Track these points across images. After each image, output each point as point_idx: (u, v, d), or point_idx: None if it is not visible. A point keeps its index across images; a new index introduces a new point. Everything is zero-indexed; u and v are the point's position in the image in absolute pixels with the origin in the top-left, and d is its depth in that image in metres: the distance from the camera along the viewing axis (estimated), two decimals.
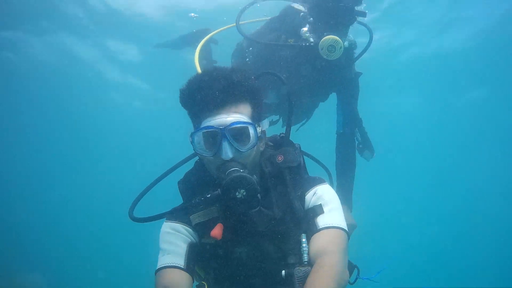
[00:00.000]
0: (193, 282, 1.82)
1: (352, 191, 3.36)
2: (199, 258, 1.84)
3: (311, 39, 2.91)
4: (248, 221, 1.77)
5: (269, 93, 3.17)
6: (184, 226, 1.83)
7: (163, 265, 1.76)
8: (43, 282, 9.16)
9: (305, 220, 1.81)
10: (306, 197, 1.83)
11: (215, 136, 1.65)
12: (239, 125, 1.65)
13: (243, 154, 1.68)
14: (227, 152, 1.63)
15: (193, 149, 1.72)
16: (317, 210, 1.79)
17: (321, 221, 1.77)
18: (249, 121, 1.69)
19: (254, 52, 3.22)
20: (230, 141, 1.64)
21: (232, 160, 1.65)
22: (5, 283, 8.52)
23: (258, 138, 1.73)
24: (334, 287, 1.59)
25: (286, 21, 3.18)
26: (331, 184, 2.44)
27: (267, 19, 3.49)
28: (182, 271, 1.74)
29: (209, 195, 1.64)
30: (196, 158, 2.00)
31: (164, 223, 1.88)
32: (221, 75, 1.68)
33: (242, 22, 3.34)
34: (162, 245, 1.84)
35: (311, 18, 2.99)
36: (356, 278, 2.11)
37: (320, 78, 3.14)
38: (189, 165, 2.02)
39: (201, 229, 1.80)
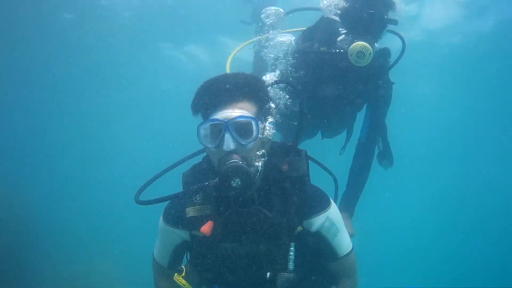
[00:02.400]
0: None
1: (358, 199, 3.38)
2: (187, 249, 2.08)
3: (343, 47, 2.95)
4: (242, 220, 1.88)
5: (295, 101, 3.21)
6: (175, 230, 2.03)
7: (155, 257, 2.20)
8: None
9: (317, 237, 1.98)
10: (316, 218, 1.96)
11: (219, 129, 1.76)
12: (241, 119, 1.75)
13: (244, 147, 1.76)
14: (229, 143, 1.73)
15: (199, 141, 1.82)
16: (333, 237, 2.01)
17: (339, 249, 2.03)
18: (253, 116, 1.79)
19: (288, 61, 3.22)
20: (232, 133, 1.73)
21: (233, 152, 1.74)
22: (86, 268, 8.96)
23: (262, 138, 1.84)
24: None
25: (320, 31, 3.21)
26: (336, 191, 2.57)
27: (302, 29, 3.52)
28: (165, 269, 2.16)
29: (207, 183, 1.79)
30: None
31: (161, 220, 2.09)
32: (228, 77, 1.85)
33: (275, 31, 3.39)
34: (158, 238, 2.17)
35: (343, 27, 3.01)
36: None
37: (352, 86, 3.14)
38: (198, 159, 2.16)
39: (194, 223, 1.91)
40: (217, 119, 1.75)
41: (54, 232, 10.45)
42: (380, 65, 3.09)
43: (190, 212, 1.91)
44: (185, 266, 2.03)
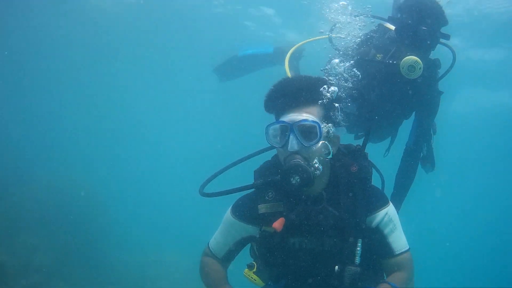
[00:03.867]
0: (228, 265, 2.29)
1: (403, 201, 3.53)
2: (255, 242, 2.16)
3: (395, 58, 3.07)
4: (312, 217, 1.99)
5: (350, 104, 3.32)
6: (243, 224, 2.14)
7: (210, 247, 2.29)
8: None
9: (375, 235, 2.09)
10: (377, 214, 2.08)
11: (286, 130, 1.91)
12: (306, 123, 1.88)
13: (307, 149, 1.89)
14: (293, 144, 1.87)
15: (266, 140, 1.98)
16: (390, 232, 2.11)
17: (395, 245, 2.12)
18: (317, 121, 1.91)
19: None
20: (297, 135, 1.87)
21: (296, 152, 1.88)
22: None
23: (327, 139, 1.94)
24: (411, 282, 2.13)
25: (376, 37, 3.35)
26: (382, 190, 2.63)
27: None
28: (218, 260, 2.26)
29: (269, 178, 1.98)
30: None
31: (229, 211, 2.21)
32: (296, 81, 1.98)
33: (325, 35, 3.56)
34: (220, 229, 2.28)
35: (398, 37, 3.16)
36: None
37: (402, 95, 3.25)
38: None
39: (265, 219, 2.04)
40: (283, 121, 1.90)
41: (125, 224, 11.12)
42: (430, 75, 3.19)
43: (263, 208, 2.04)
44: (255, 262, 2.14)
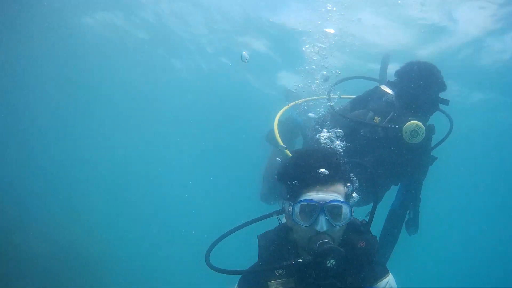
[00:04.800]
0: None
1: (387, 262, 3.44)
2: None
3: (396, 123, 3.04)
4: None
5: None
6: None
7: None
8: None
9: None
10: (379, 284, 2.09)
11: (313, 210, 1.86)
12: (337, 203, 1.87)
13: (334, 229, 1.89)
14: (323, 225, 1.85)
15: (292, 217, 1.91)
16: None
17: None
18: (344, 200, 1.91)
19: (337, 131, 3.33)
20: (327, 215, 1.85)
21: (324, 233, 1.86)
22: None
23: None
24: None
25: (374, 99, 3.34)
26: None
27: (351, 97, 3.68)
28: None
29: (300, 260, 1.87)
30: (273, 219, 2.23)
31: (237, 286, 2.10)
32: (323, 156, 1.93)
33: (322, 97, 3.63)
34: None
35: (397, 103, 3.14)
36: None
37: (399, 161, 3.22)
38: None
39: None
40: (313, 200, 1.85)
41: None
42: (425, 141, 3.16)
43: (274, 285, 1.98)
44: None
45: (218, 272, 2.01)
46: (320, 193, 1.86)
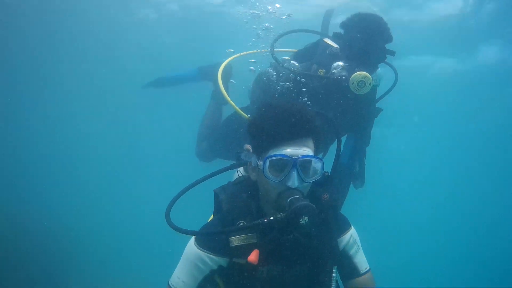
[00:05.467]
0: None
1: None
2: (224, 274, 2.02)
3: (343, 73, 3.03)
4: (286, 247, 1.94)
5: None
6: (210, 255, 1.98)
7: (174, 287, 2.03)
8: None
9: (341, 255, 2.11)
10: (343, 237, 2.12)
11: (285, 165, 1.82)
12: (309, 158, 1.84)
13: (304, 184, 1.86)
14: (294, 181, 1.81)
15: (263, 172, 1.84)
16: (355, 253, 2.16)
17: (360, 265, 2.16)
18: (319, 157, 1.88)
19: (282, 81, 3.29)
20: (299, 171, 1.81)
21: (295, 188, 1.83)
22: None
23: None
24: None
25: (318, 52, 3.30)
26: None
27: (294, 50, 3.65)
28: None
29: (272, 218, 1.81)
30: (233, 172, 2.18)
31: (193, 246, 2.02)
32: (295, 111, 1.87)
33: (264, 50, 3.55)
34: (182, 265, 2.05)
35: (343, 54, 3.12)
36: None
37: (345, 112, 3.23)
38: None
39: (237, 251, 1.93)
40: (285, 155, 1.81)
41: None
42: (371, 92, 3.18)
43: (235, 241, 1.92)
44: None
45: (182, 233, 1.92)
46: (292, 148, 1.82)
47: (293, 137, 1.83)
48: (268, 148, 1.85)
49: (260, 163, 1.85)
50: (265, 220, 1.82)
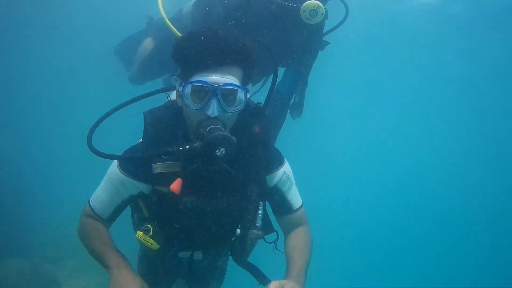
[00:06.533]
0: (110, 227, 2.08)
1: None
2: (146, 200, 2.02)
3: (294, 2, 2.92)
4: (209, 177, 1.90)
5: None
6: (134, 182, 1.94)
7: (93, 207, 2.03)
8: None
9: (273, 192, 2.09)
10: (276, 173, 2.07)
11: (206, 92, 1.74)
12: (231, 87, 1.75)
13: (226, 114, 1.78)
14: (214, 109, 1.73)
15: (182, 98, 1.78)
16: (288, 190, 2.12)
17: (294, 201, 2.16)
18: (240, 84, 1.80)
19: (225, 5, 3.10)
20: (220, 100, 1.73)
21: (216, 118, 1.75)
22: None
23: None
24: (311, 243, 2.16)
25: None
26: None
27: None
28: (103, 221, 2.04)
29: (188, 146, 1.76)
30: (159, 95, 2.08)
31: (116, 168, 1.97)
32: (224, 36, 1.75)
33: None
34: (103, 185, 2.03)
35: None
36: (275, 241, 2.25)
37: (291, 40, 3.14)
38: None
39: (160, 178, 1.89)
40: (205, 82, 1.72)
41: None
42: (320, 24, 3.10)
43: (158, 168, 1.88)
44: (150, 225, 1.96)
45: (103, 157, 1.84)
46: (214, 75, 1.73)
47: (218, 64, 1.73)
48: (192, 74, 1.77)
49: (181, 88, 1.78)
50: (180, 148, 1.77)
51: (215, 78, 1.73)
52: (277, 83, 2.26)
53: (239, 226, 2.04)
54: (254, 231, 1.99)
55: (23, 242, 7.79)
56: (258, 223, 2.00)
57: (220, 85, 1.73)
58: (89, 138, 1.85)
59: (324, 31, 3.31)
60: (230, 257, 2.33)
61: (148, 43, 4.12)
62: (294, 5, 2.89)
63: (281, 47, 3.11)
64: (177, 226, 1.98)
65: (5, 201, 8.58)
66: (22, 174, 9.92)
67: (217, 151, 1.68)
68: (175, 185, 1.82)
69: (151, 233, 1.93)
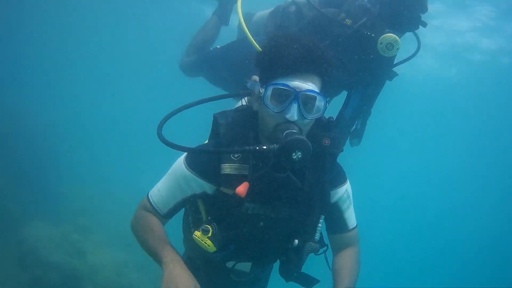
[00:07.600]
0: (165, 223, 2.06)
1: None
2: (207, 201, 1.97)
3: (372, 31, 2.94)
4: (276, 185, 1.85)
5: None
6: (199, 180, 1.91)
7: (152, 201, 2.01)
8: None
9: (333, 208, 2.08)
10: (338, 190, 2.06)
11: (287, 96, 1.74)
12: (313, 94, 1.75)
13: (304, 121, 1.78)
14: (294, 113, 1.73)
15: (263, 99, 1.78)
16: (346, 208, 2.12)
17: (350, 221, 2.15)
18: (322, 95, 1.80)
19: (301, 27, 3.15)
20: (300, 105, 1.73)
21: (293, 122, 1.75)
22: None
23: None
24: (359, 265, 2.17)
25: (348, 1, 3.16)
26: None
27: None
28: (159, 217, 2.00)
29: (265, 147, 1.75)
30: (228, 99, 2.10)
31: (183, 164, 1.95)
32: (309, 45, 1.76)
33: None
34: (166, 180, 2.01)
35: (375, 10, 2.99)
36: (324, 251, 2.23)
37: (363, 67, 3.17)
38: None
39: (226, 180, 1.86)
40: (288, 86, 1.73)
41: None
42: (391, 57, 3.11)
43: (227, 169, 1.86)
44: (210, 226, 1.90)
45: (174, 148, 1.84)
46: (297, 80, 1.74)
47: (301, 70, 1.74)
48: (274, 78, 1.77)
49: (262, 90, 1.79)
50: (257, 148, 1.75)
51: (298, 83, 1.74)
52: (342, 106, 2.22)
53: (297, 238, 2.01)
54: (312, 243, 1.98)
55: (56, 208, 8.00)
56: (317, 236, 1.99)
57: (302, 91, 1.74)
58: (159, 128, 1.87)
59: (394, 62, 3.31)
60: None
61: (213, 21, 4.12)
62: (373, 34, 2.92)
63: (352, 71, 3.10)
64: (235, 231, 1.93)
65: (45, 166, 8.82)
66: (67, 141, 10.20)
67: (293, 154, 1.67)
68: (242, 188, 1.79)
69: (209, 234, 1.88)
